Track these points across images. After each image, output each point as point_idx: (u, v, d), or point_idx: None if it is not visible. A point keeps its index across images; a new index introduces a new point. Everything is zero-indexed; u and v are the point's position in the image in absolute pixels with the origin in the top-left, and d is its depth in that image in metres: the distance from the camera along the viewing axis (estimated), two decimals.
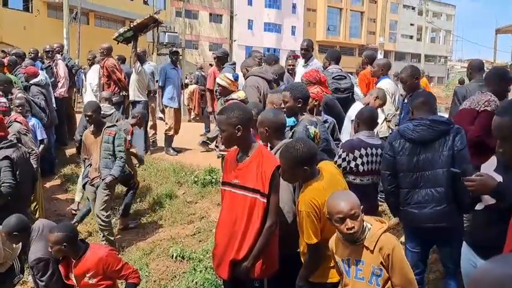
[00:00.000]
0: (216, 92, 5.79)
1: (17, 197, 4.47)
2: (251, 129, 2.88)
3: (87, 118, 5.00)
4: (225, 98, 5.08)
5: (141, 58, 7.96)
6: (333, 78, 5.24)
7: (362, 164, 3.39)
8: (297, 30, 50.02)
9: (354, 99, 5.37)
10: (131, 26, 7.62)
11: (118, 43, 7.90)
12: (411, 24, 56.59)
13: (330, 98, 4.58)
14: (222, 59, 7.48)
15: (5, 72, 7.12)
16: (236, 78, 5.33)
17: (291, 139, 3.14)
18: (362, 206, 2.23)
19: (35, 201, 5.44)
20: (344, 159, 3.38)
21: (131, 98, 7.65)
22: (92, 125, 5.08)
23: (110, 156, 4.99)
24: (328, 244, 2.47)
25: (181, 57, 12.08)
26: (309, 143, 2.71)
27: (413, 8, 55.39)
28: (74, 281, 3.27)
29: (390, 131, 4.83)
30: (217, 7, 47.02)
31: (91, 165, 5.14)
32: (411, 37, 57.93)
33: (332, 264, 2.53)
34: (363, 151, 3.39)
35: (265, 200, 2.65)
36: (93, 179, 5.08)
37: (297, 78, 5.90)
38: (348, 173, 3.37)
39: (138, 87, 7.59)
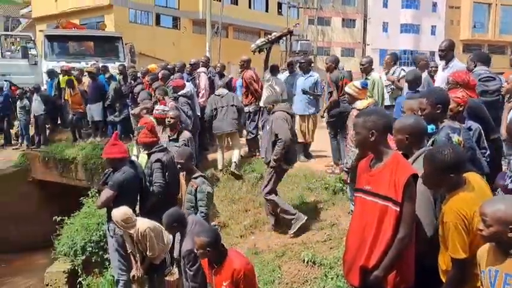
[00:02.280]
0: None
1: (166, 196, 5.02)
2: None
3: (179, 166, 4.86)
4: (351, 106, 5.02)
5: (274, 68, 8.25)
6: (479, 80, 4.79)
7: None
8: (438, 29, 46.73)
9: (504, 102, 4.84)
10: (269, 39, 8.00)
11: (254, 54, 8.37)
12: None
13: (475, 102, 4.13)
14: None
15: (162, 84, 8.09)
16: (364, 86, 5.20)
17: (430, 147, 2.97)
18: None
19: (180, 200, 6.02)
20: None
21: (261, 104, 8.01)
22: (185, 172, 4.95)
23: (192, 209, 4.70)
24: (475, 261, 2.24)
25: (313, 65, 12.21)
26: (457, 149, 2.54)
27: None
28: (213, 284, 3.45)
29: None
30: (350, 12, 46.45)
31: None
32: None
33: (478, 284, 2.30)
34: None
35: (397, 209, 2.55)
36: None
37: (437, 83, 5.54)
38: None
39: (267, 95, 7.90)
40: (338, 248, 4.75)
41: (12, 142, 12.61)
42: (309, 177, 6.89)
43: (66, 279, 6.27)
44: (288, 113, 5.46)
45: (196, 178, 4.71)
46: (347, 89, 5.23)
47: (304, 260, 4.76)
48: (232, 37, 35.03)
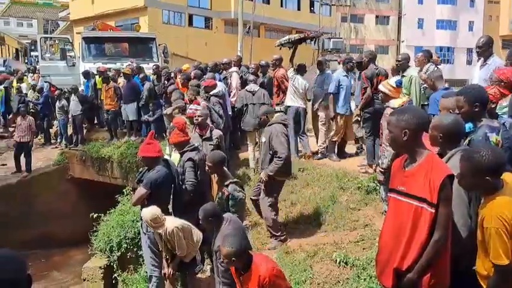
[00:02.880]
0: None
1: (198, 194, 5.08)
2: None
3: (207, 168, 4.82)
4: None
5: (301, 67, 8.21)
6: None
7: None
8: (476, 25, 45.23)
9: None
10: (290, 39, 8.07)
11: (280, 49, 8.45)
12: None
13: None
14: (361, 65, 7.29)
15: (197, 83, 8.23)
16: (399, 85, 5.09)
17: (466, 147, 2.87)
18: None
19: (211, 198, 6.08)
20: None
21: (285, 103, 7.99)
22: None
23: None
24: None
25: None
26: (496, 151, 2.45)
27: None
28: None
29: None
30: (384, 9, 45.61)
31: None
32: None
33: None
34: None
35: (433, 210, 2.49)
36: None
37: (475, 80, 5.37)
38: None
39: (292, 94, 7.88)
40: (371, 249, 4.68)
41: (52, 141, 13.07)
42: (341, 176, 6.82)
43: (102, 275, 6.43)
44: (284, 124, 5.48)
45: (227, 186, 4.65)
46: (380, 87, 5.14)
47: (336, 261, 4.72)
48: (263, 36, 35.05)
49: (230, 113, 8.22)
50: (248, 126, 7.78)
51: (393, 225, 2.69)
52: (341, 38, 32.49)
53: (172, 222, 4.50)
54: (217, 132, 6.07)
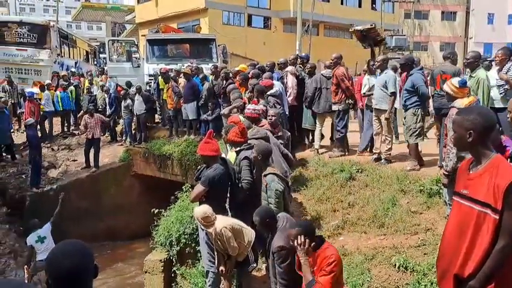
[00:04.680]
0: None
1: (254, 192, 5.11)
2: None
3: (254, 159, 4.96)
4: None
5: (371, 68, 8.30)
6: None
7: None
8: None
9: None
10: (363, 29, 8.05)
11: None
12: None
13: None
14: (407, 66, 6.93)
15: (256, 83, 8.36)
16: (462, 85, 4.81)
17: None
18: None
19: None
20: None
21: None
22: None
23: (268, 205, 4.63)
24: None
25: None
26: None
27: None
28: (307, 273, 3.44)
29: None
30: (450, 4, 43.54)
31: None
32: None
33: None
34: None
35: (497, 217, 2.34)
36: None
37: None
38: None
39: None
40: (433, 254, 4.48)
41: (117, 139, 13.73)
42: (402, 178, 6.59)
43: (162, 268, 6.66)
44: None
45: (266, 175, 4.71)
46: (445, 86, 4.91)
47: (395, 265, 4.57)
48: (323, 35, 34.66)
49: (287, 112, 8.22)
50: (321, 109, 8.22)
51: (455, 230, 2.57)
52: (404, 36, 31.41)
53: (222, 222, 4.54)
54: (285, 132, 6.17)
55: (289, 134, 6.38)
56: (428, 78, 7.47)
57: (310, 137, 9.09)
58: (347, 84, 7.86)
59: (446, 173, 4.52)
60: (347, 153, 8.16)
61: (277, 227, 3.92)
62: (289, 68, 9.22)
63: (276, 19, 32.39)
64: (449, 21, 43.84)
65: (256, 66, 9.89)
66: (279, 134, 6.02)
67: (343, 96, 7.92)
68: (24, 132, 12.15)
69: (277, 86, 8.04)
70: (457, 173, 2.77)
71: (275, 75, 9.37)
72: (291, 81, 8.95)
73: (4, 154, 12.67)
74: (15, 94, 15.02)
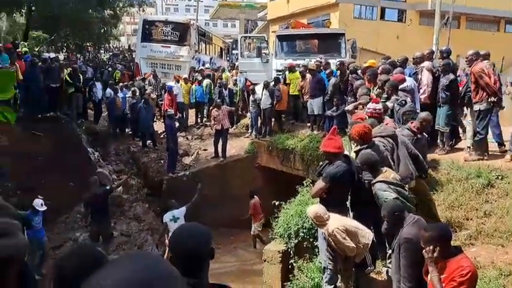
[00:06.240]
0: None
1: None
2: None
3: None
4: None
5: None
6: None
7: None
8: None
9: None
10: None
11: None
12: None
13: None
14: None
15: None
16: None
17: None
18: None
19: None
20: None
21: None
22: None
23: None
24: None
25: None
26: None
27: None
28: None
29: None
30: None
31: None
32: None
33: None
34: None
35: None
36: None
37: None
38: None
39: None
40: None
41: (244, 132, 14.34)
42: None
43: (280, 259, 6.79)
44: None
45: (374, 184, 4.58)
46: None
47: None
48: (464, 28, 31.71)
49: (418, 110, 7.71)
50: None
51: None
52: None
53: (335, 223, 4.45)
54: (424, 136, 5.92)
55: (427, 137, 6.02)
56: None
57: (444, 139, 8.40)
58: (486, 81, 7.07)
59: None
60: (485, 157, 7.37)
61: (406, 222, 3.77)
62: (426, 64, 8.63)
63: (411, 12, 30.54)
64: None
65: (387, 62, 9.45)
66: (418, 136, 5.71)
67: (484, 94, 7.16)
68: (163, 122, 13.41)
69: (410, 81, 7.61)
70: None
71: (407, 70, 8.86)
72: (426, 77, 8.36)
73: (148, 141, 14.17)
74: (158, 87, 16.65)
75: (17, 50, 13.56)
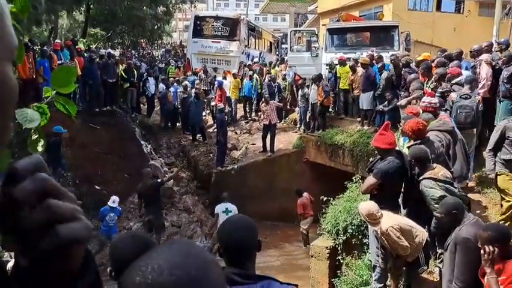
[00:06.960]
0: None
1: None
2: None
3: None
4: None
5: None
6: None
7: None
8: None
9: None
10: None
11: None
12: None
13: None
14: None
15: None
16: None
17: None
18: None
19: None
20: None
21: None
22: None
23: None
24: None
25: None
26: None
27: None
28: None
29: None
30: None
31: None
32: None
33: None
34: None
35: None
36: None
37: None
38: None
39: None
40: None
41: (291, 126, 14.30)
42: None
43: (328, 255, 6.74)
44: None
45: (421, 180, 4.41)
46: None
47: None
48: None
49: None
50: None
51: None
52: None
53: (389, 221, 4.33)
54: None
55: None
56: None
57: None
58: None
59: None
60: None
61: (464, 221, 3.63)
62: (484, 57, 8.20)
63: (470, 2, 29.09)
64: None
65: (443, 55, 9.07)
66: None
67: None
68: (212, 116, 13.61)
69: (465, 75, 7.27)
70: None
71: (464, 64, 8.47)
72: (485, 71, 7.94)
73: (198, 135, 14.46)
74: (207, 82, 16.93)
75: (76, 47, 14.24)
